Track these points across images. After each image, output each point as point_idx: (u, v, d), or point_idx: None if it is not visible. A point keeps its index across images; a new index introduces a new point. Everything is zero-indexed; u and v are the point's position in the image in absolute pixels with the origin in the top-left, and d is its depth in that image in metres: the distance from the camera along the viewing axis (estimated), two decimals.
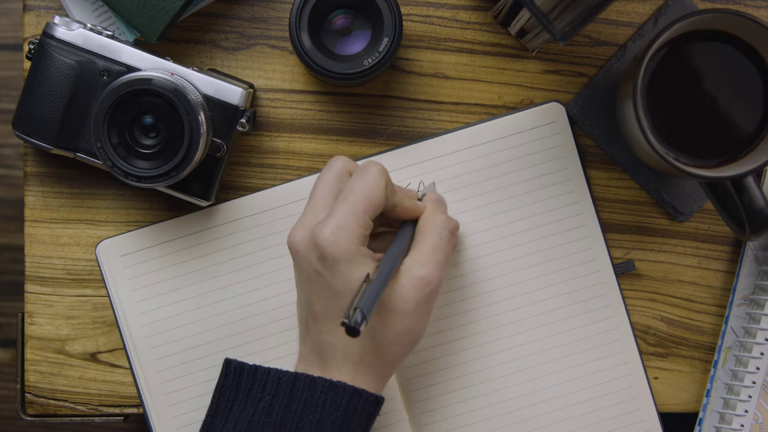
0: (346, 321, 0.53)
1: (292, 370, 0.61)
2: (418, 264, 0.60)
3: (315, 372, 0.60)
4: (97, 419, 0.72)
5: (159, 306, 0.70)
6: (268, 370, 0.61)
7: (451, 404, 0.70)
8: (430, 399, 0.70)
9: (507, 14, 0.69)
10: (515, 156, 0.71)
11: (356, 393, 0.59)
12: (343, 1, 0.67)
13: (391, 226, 0.65)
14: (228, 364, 0.62)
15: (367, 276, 0.57)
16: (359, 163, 0.64)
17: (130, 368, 0.70)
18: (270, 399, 0.60)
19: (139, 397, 0.70)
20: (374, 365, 0.60)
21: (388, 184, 0.61)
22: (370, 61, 0.65)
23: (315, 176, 0.71)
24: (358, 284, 0.58)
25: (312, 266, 0.59)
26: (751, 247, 0.71)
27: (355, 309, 0.53)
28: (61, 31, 0.66)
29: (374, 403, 0.60)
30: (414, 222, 0.64)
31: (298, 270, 0.61)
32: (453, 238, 0.64)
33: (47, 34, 0.67)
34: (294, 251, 0.61)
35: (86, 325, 0.72)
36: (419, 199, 0.65)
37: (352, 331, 0.53)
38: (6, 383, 1.35)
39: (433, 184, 0.70)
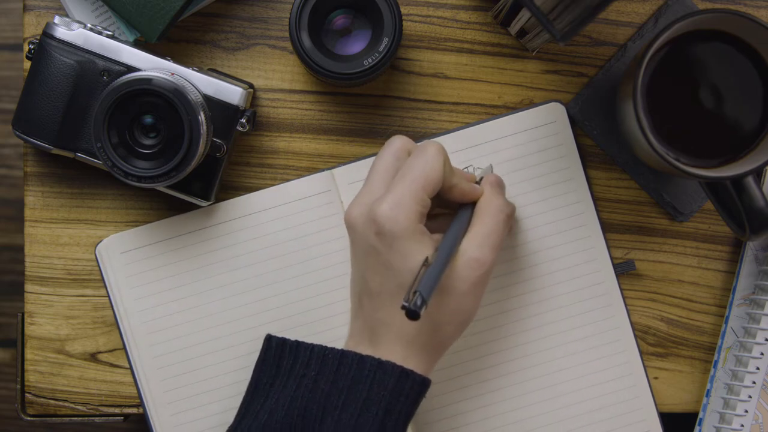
0: (406, 304, 0.53)
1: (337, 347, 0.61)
2: (475, 246, 0.60)
3: (365, 349, 0.60)
4: (97, 419, 0.72)
5: (159, 304, 0.70)
6: (312, 346, 0.61)
7: (451, 404, 0.70)
8: (430, 399, 0.70)
9: (507, 14, 0.69)
10: (515, 156, 0.71)
11: (404, 373, 0.59)
12: (343, 1, 0.67)
13: (448, 208, 0.65)
14: (269, 339, 0.63)
15: (426, 259, 0.57)
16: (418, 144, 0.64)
17: (130, 367, 0.70)
18: (315, 375, 0.60)
19: (139, 396, 0.70)
20: (426, 345, 0.61)
21: (447, 164, 0.61)
22: (370, 61, 0.65)
23: (314, 175, 0.71)
24: (415, 262, 0.58)
25: (369, 242, 0.60)
26: (751, 247, 0.71)
27: (415, 292, 0.53)
28: (61, 31, 0.66)
29: (422, 384, 0.60)
30: (472, 205, 0.64)
31: (355, 246, 0.61)
32: (509, 221, 0.64)
33: (47, 34, 0.67)
34: (351, 227, 0.61)
35: (86, 325, 0.72)
36: (477, 182, 0.65)
37: (413, 314, 0.53)
38: (6, 383, 1.35)
39: (491, 166, 0.70)
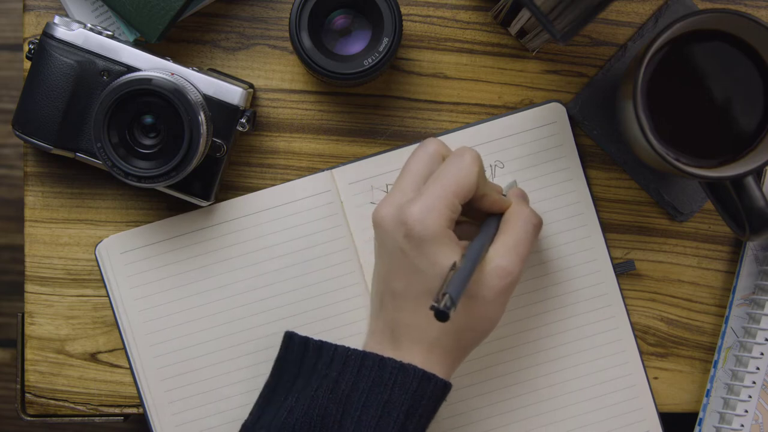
0: (436, 305, 0.53)
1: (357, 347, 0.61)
2: (502, 254, 0.60)
3: (386, 350, 0.60)
4: (97, 419, 0.72)
5: (159, 304, 0.70)
6: (335, 346, 0.61)
7: (451, 404, 0.70)
8: None
9: (507, 14, 0.69)
10: (515, 156, 0.71)
11: (426, 377, 0.59)
12: (343, 1, 0.67)
13: (473, 218, 0.65)
14: (290, 337, 0.63)
15: (454, 264, 0.57)
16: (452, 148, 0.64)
17: (130, 367, 0.70)
18: (336, 375, 0.60)
19: (139, 396, 0.70)
20: (448, 349, 0.61)
21: (481, 172, 0.61)
22: (370, 61, 0.65)
23: (314, 175, 0.71)
24: (443, 267, 0.58)
25: (397, 243, 0.59)
26: (751, 247, 0.71)
27: (444, 294, 0.53)
28: (61, 31, 0.66)
29: (443, 387, 0.60)
30: (499, 215, 0.64)
31: (381, 246, 0.61)
32: (537, 232, 0.64)
33: (47, 34, 0.66)
34: (379, 226, 0.61)
35: (86, 325, 0.72)
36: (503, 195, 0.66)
37: (442, 315, 0.53)
38: (6, 383, 1.35)
39: (515, 182, 0.70)
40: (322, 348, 0.62)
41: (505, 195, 0.66)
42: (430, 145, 0.63)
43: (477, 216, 0.65)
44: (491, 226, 0.63)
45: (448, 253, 0.58)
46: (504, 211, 0.64)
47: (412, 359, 0.60)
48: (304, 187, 0.71)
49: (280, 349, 0.63)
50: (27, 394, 0.72)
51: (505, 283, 0.60)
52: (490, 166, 0.71)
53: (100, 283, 0.71)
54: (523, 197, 0.66)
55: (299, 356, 0.62)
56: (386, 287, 0.61)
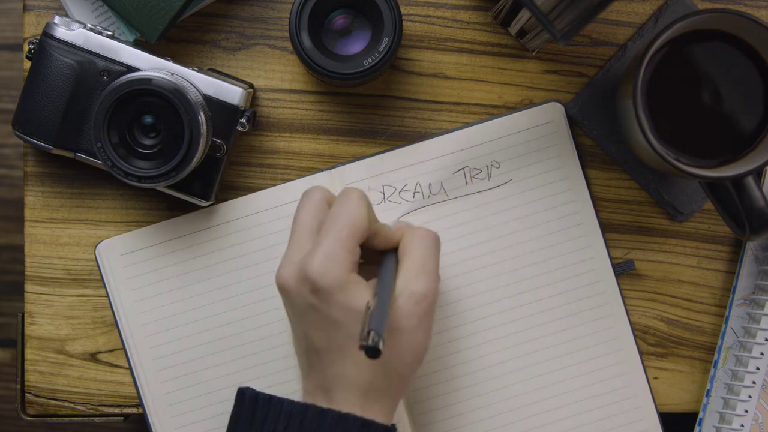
0: (364, 343, 0.52)
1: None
2: (412, 280, 0.60)
3: (323, 405, 0.59)
4: (97, 419, 0.72)
5: (159, 305, 0.70)
6: (282, 400, 0.60)
7: (451, 404, 0.70)
8: (429, 399, 0.70)
9: (507, 14, 0.69)
10: (515, 155, 0.71)
11: (366, 424, 0.58)
12: (343, 1, 0.67)
13: (371, 259, 0.64)
14: (242, 393, 0.62)
15: (368, 303, 0.56)
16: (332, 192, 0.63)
17: (130, 368, 0.70)
18: (282, 430, 0.59)
19: (139, 397, 0.70)
20: (384, 390, 0.60)
21: (370, 209, 0.61)
22: (370, 61, 0.65)
23: (314, 176, 0.71)
24: (357, 310, 0.57)
25: (306, 301, 0.58)
26: (751, 247, 0.71)
27: (369, 331, 0.53)
28: (61, 31, 0.66)
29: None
30: (395, 249, 0.63)
31: (292, 307, 0.60)
32: (437, 246, 0.63)
33: (47, 34, 0.67)
34: (284, 289, 0.60)
35: (86, 325, 0.72)
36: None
37: (373, 351, 0.52)
38: (6, 383, 1.35)
39: (398, 220, 0.69)
40: (270, 402, 0.60)
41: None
42: (314, 194, 0.62)
43: (374, 257, 0.64)
44: (391, 259, 0.62)
45: (360, 295, 0.58)
46: (398, 244, 0.63)
47: (350, 408, 0.59)
48: (304, 188, 0.70)
49: (234, 404, 0.62)
50: (27, 394, 0.72)
51: (423, 307, 0.59)
52: (486, 166, 0.71)
53: (100, 283, 0.71)
54: (411, 224, 0.65)
55: (251, 411, 0.61)
56: (308, 346, 0.60)
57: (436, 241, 0.63)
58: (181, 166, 0.65)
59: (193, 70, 0.67)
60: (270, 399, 0.61)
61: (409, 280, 0.60)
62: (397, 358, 0.59)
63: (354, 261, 0.59)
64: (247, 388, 0.62)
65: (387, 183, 0.71)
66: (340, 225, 0.59)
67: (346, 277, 0.58)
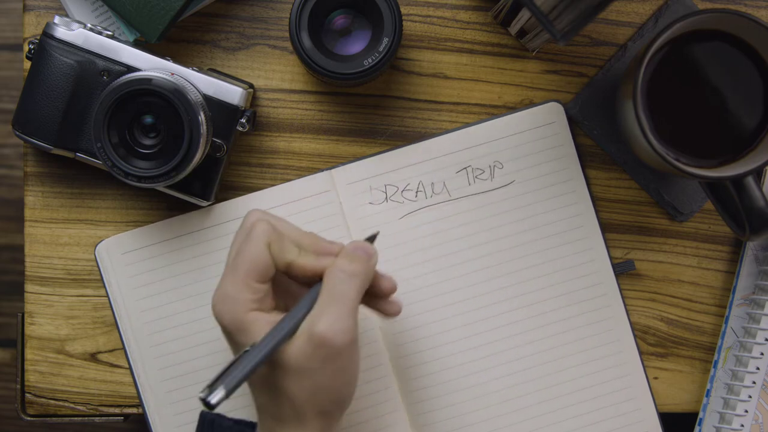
0: (202, 396, 0.52)
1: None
2: (316, 319, 0.56)
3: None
4: (97, 419, 0.72)
5: (159, 305, 0.70)
6: (232, 423, 0.61)
7: (451, 405, 0.70)
8: (429, 400, 0.70)
9: (507, 14, 0.69)
10: (514, 156, 0.71)
11: None
12: (343, 1, 0.67)
13: (311, 285, 0.60)
14: (202, 416, 0.63)
15: (250, 347, 0.54)
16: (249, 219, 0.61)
17: (130, 368, 0.70)
18: None
19: (139, 397, 0.70)
20: (304, 421, 0.57)
21: (275, 243, 0.58)
22: (370, 61, 0.65)
23: (314, 176, 0.71)
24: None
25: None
26: (751, 247, 0.71)
27: (214, 382, 0.52)
28: (61, 31, 0.66)
29: None
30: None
31: None
32: (356, 281, 0.57)
33: (47, 34, 0.66)
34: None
35: (86, 325, 0.72)
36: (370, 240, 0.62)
37: (206, 405, 0.52)
38: (6, 383, 1.35)
39: (378, 233, 0.64)
40: (221, 427, 0.61)
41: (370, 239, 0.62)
42: (246, 220, 0.60)
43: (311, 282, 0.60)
44: (314, 291, 0.58)
45: (258, 335, 0.55)
46: (321, 273, 0.58)
47: None
48: (304, 187, 0.71)
49: (196, 427, 0.63)
50: (27, 394, 0.72)
51: (324, 350, 0.55)
52: (489, 167, 0.71)
53: (99, 283, 0.71)
54: (354, 250, 0.59)
55: None
56: None
57: (353, 272, 0.57)
58: (181, 166, 0.65)
59: (193, 70, 0.67)
60: (213, 421, 0.62)
61: (314, 318, 0.56)
62: (307, 397, 0.56)
63: (253, 299, 0.57)
64: (208, 413, 0.62)
65: (389, 182, 0.71)
66: (237, 262, 0.57)
67: (242, 317, 0.56)
